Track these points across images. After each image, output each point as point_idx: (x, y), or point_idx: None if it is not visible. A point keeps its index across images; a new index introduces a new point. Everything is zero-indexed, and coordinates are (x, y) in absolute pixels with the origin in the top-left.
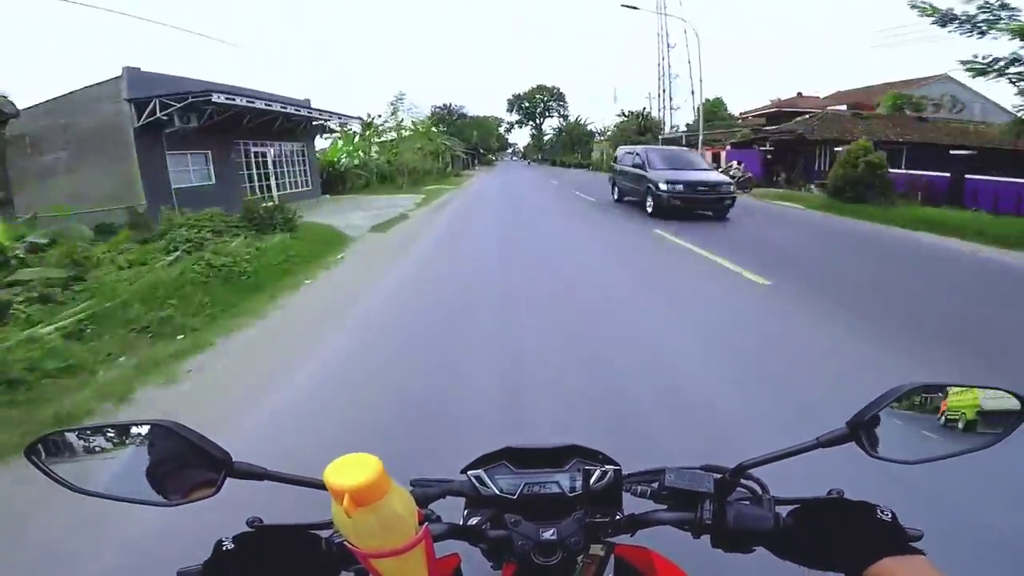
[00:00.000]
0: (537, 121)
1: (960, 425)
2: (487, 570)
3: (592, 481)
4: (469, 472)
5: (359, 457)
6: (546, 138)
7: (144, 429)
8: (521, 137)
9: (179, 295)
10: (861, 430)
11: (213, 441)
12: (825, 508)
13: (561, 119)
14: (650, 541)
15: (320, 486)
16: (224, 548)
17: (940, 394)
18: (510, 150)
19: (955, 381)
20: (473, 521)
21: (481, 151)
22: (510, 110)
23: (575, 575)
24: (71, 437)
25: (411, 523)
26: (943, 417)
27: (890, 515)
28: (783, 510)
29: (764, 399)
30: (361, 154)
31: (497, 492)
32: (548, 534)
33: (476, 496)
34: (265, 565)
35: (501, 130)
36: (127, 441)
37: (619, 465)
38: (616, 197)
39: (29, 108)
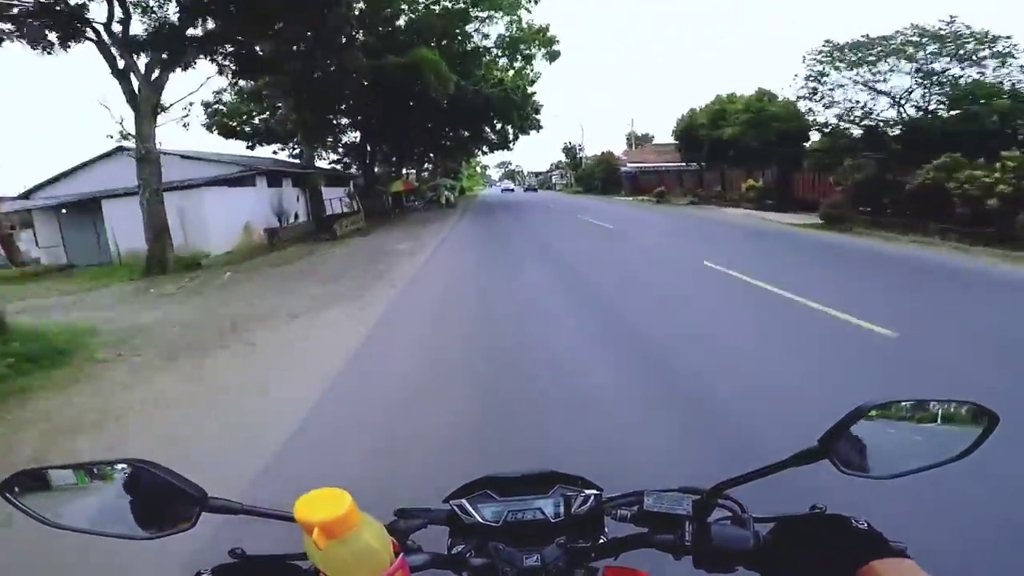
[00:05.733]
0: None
1: (932, 439)
2: None
3: (574, 507)
4: (451, 501)
5: (329, 492)
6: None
7: (119, 467)
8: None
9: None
10: (832, 447)
11: (187, 479)
12: (802, 523)
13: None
14: (635, 563)
15: (292, 519)
16: None
17: (911, 408)
18: (496, 177)
19: (926, 396)
20: (457, 550)
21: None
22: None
23: None
24: (46, 474)
25: (385, 555)
26: (915, 431)
27: (866, 525)
28: (763, 528)
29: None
30: None
31: (480, 520)
32: (531, 561)
33: (460, 525)
34: None
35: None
36: (103, 478)
37: (600, 489)
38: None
39: None
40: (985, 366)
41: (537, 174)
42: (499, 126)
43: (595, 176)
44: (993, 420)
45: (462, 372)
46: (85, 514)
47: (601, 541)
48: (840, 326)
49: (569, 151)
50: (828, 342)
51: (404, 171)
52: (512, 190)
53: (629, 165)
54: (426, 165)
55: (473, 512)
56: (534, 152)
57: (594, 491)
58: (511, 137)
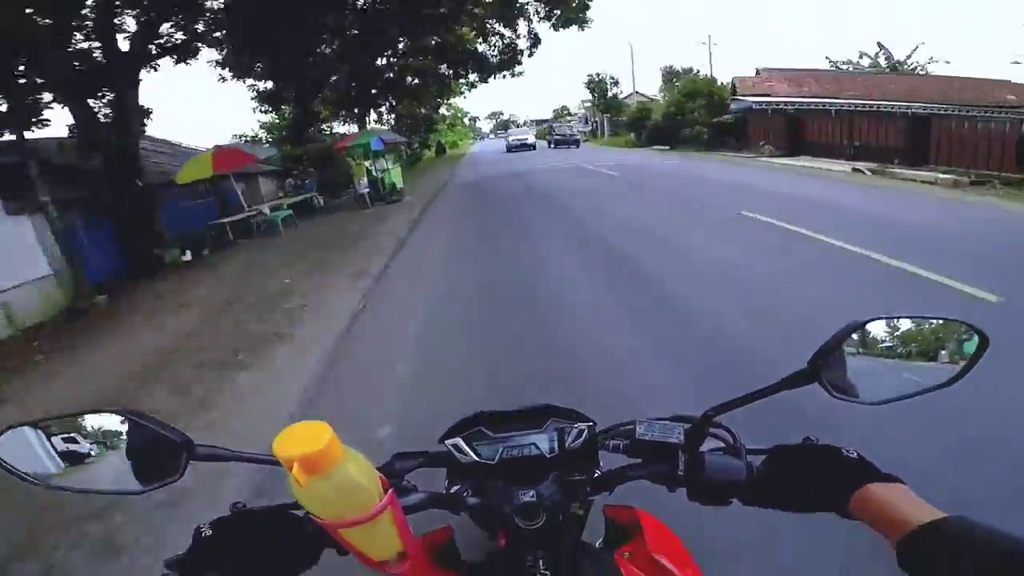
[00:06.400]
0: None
1: (923, 361)
2: (484, 541)
3: (568, 441)
4: (446, 441)
5: (308, 425)
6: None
7: (102, 418)
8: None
9: None
10: (823, 370)
11: (172, 426)
12: (795, 453)
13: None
14: (632, 499)
15: (277, 462)
16: (203, 535)
17: (901, 326)
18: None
19: (916, 312)
20: (454, 490)
21: None
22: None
23: (562, 536)
24: (28, 431)
25: (373, 490)
26: (906, 353)
27: (856, 454)
28: (755, 460)
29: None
30: None
31: (476, 459)
32: (528, 497)
33: (456, 465)
34: (246, 548)
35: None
36: (86, 431)
37: (593, 421)
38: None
39: None
40: None
41: (538, 123)
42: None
43: (686, 117)
44: (984, 341)
45: None
46: (70, 471)
47: (596, 475)
48: None
49: (597, 85)
50: None
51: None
52: (530, 145)
53: (747, 99)
54: (381, 111)
55: (468, 451)
56: (525, 100)
57: (587, 424)
58: (526, 45)
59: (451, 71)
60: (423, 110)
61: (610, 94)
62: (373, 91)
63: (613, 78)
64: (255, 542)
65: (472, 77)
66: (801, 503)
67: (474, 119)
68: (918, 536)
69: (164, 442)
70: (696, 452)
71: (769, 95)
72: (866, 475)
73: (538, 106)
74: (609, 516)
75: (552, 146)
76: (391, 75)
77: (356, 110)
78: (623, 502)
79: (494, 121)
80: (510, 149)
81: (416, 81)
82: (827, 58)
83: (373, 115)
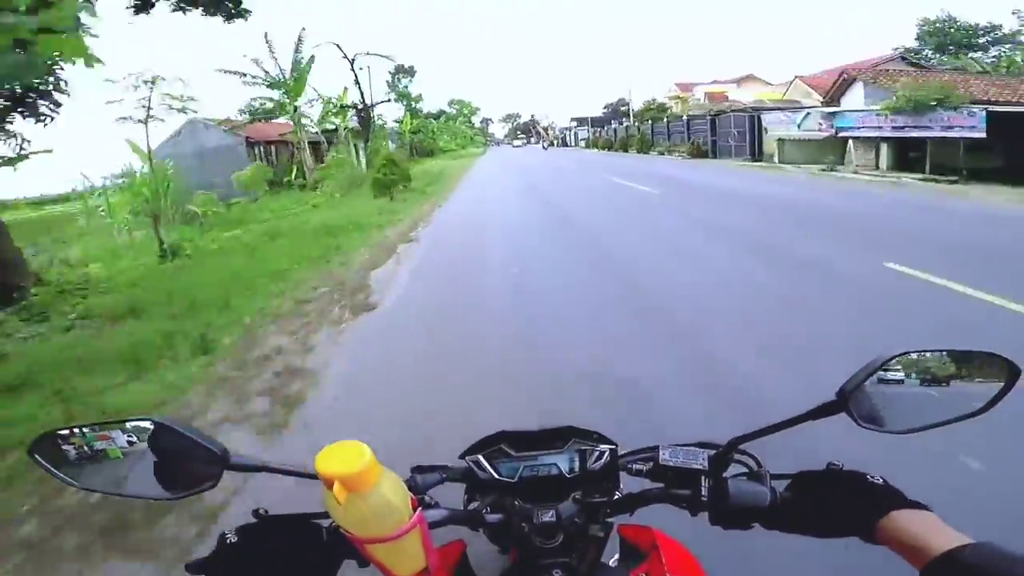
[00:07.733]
0: None
1: (951, 392)
2: (494, 556)
3: (589, 462)
4: (467, 457)
5: (349, 445)
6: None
7: (142, 425)
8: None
9: None
10: (851, 400)
11: (208, 436)
12: (819, 479)
13: None
14: (651, 521)
15: (313, 476)
16: (228, 541)
17: (930, 359)
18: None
19: (945, 346)
20: (473, 507)
21: None
22: None
23: (577, 556)
24: (71, 435)
25: (404, 509)
26: (934, 384)
27: (881, 480)
28: (779, 485)
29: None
30: None
31: (496, 476)
32: (547, 516)
33: (476, 481)
34: (268, 555)
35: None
36: (126, 438)
37: (615, 444)
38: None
39: None
40: None
41: (583, 121)
42: None
43: None
44: (1014, 373)
45: None
46: (110, 475)
47: (616, 496)
48: None
49: (953, 34)
50: None
51: None
52: None
53: None
54: None
55: (489, 468)
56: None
57: (609, 446)
58: None
59: None
60: None
61: None
62: None
63: None
64: (276, 550)
65: None
66: (825, 528)
67: (486, 121)
68: (942, 562)
69: (198, 450)
70: (720, 478)
71: None
72: (892, 501)
73: (576, 104)
74: (624, 535)
75: None
76: None
77: None
78: (638, 522)
79: (509, 124)
80: None
81: None
82: None
83: None
